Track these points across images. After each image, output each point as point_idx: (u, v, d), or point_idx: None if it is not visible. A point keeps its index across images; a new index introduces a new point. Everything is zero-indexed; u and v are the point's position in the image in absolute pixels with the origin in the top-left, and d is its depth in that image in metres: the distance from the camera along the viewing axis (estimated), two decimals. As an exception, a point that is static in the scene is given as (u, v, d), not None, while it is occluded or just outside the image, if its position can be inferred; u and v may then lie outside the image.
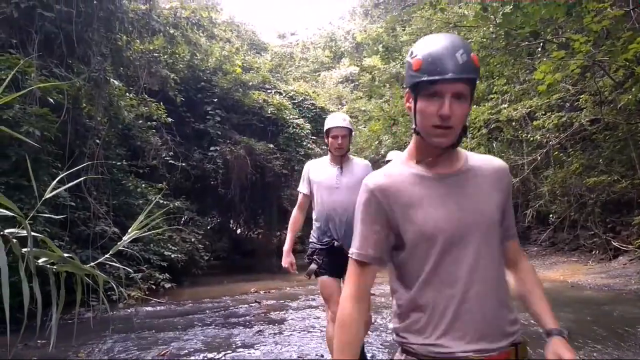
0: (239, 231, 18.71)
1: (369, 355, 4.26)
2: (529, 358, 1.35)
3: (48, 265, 1.89)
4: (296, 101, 16.52)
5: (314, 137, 15.17)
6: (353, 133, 3.73)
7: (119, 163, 9.76)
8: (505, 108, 10.80)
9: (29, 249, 1.70)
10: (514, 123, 11.44)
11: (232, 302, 7.76)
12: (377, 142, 16.29)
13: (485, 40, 8.62)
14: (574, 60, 6.69)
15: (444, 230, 1.26)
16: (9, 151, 6.47)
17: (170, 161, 11.74)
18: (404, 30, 15.42)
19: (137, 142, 11.19)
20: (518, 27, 6.58)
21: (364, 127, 17.34)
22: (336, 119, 3.54)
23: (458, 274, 1.25)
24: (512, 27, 6.68)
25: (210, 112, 13.26)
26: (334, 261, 3.35)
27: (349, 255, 1.35)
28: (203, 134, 13.19)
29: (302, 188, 3.66)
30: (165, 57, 11.91)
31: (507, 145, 11.93)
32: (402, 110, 14.92)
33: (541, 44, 8.54)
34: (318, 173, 3.57)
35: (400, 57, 13.91)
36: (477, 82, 1.45)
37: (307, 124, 15.38)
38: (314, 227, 3.57)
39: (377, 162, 11.55)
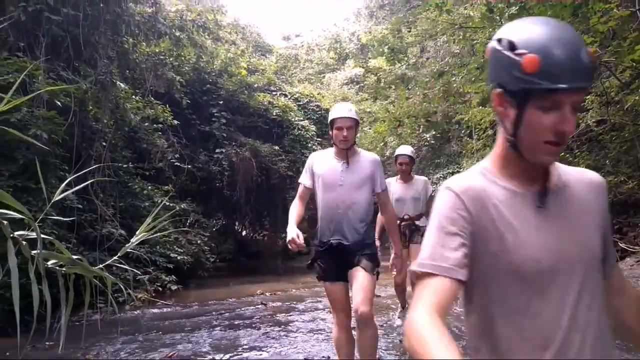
0: (244, 233, 18.69)
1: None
2: None
3: (57, 268, 1.89)
4: (301, 103, 16.54)
5: (319, 139, 15.18)
6: (359, 125, 3.47)
7: (125, 165, 9.78)
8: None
9: (38, 251, 1.71)
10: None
11: (238, 304, 7.76)
12: (382, 143, 16.28)
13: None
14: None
15: (539, 262, 1.02)
16: (17, 154, 6.51)
17: (176, 163, 11.76)
18: (409, 31, 15.38)
19: (143, 145, 11.23)
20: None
21: (369, 129, 17.33)
22: (341, 109, 3.29)
23: (554, 321, 1.02)
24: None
25: (215, 114, 13.28)
26: (337, 264, 3.21)
27: (416, 269, 1.07)
28: (209, 136, 13.23)
29: (304, 179, 3.39)
30: (171, 59, 11.95)
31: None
32: (408, 112, 14.93)
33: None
34: (322, 166, 3.31)
35: (406, 58, 13.89)
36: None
37: (312, 126, 15.40)
38: (317, 227, 3.38)
39: (383, 164, 11.51)
